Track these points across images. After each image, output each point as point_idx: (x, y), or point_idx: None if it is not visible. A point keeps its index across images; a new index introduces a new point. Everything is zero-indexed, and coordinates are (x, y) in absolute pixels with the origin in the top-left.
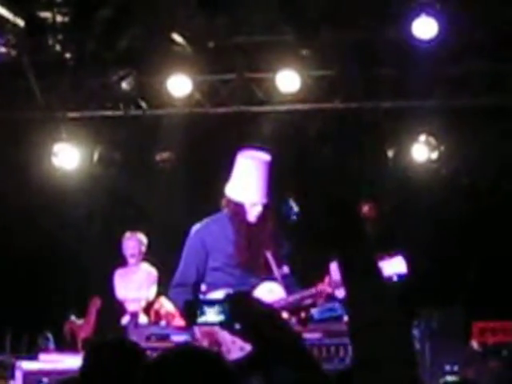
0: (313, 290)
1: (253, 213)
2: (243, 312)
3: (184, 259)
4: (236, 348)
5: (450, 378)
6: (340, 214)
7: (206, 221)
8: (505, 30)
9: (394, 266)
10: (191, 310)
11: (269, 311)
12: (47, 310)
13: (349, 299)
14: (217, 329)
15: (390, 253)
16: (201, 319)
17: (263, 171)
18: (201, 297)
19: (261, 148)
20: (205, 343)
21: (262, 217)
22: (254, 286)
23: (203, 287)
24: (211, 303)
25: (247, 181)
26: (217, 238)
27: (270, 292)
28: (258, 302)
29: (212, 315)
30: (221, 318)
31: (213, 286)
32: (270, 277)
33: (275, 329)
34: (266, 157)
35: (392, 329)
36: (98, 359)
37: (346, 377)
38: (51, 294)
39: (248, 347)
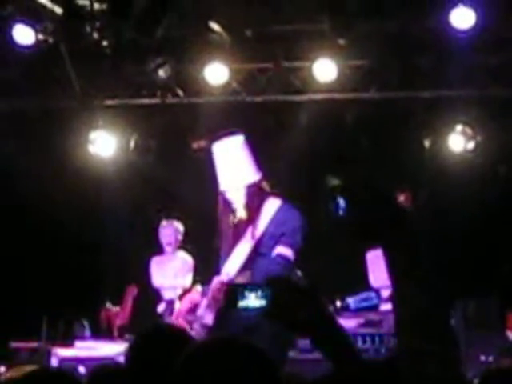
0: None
1: (238, 199)
2: (283, 297)
3: None
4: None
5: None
6: (383, 207)
7: None
8: None
9: None
10: (232, 294)
11: (310, 297)
12: (83, 298)
13: (395, 291)
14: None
15: None
16: (242, 303)
17: (236, 155)
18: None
19: (231, 132)
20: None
21: (252, 198)
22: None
23: None
24: (253, 288)
25: (222, 169)
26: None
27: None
28: (299, 286)
29: (253, 299)
30: (262, 302)
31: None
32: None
33: (315, 315)
34: (237, 139)
35: (437, 323)
36: (147, 347)
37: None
38: (87, 281)
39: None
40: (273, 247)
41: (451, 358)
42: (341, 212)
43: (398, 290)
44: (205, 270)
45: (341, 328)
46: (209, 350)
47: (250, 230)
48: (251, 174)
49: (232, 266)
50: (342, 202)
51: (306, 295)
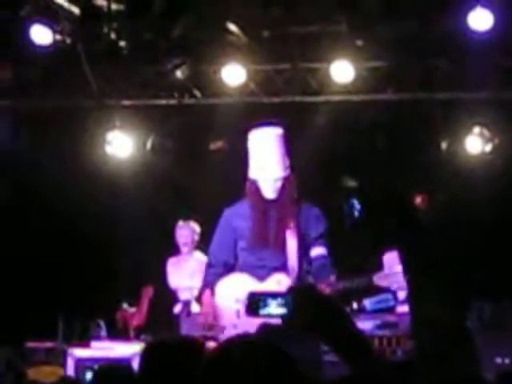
0: (366, 280)
1: (268, 189)
2: (306, 305)
3: (214, 240)
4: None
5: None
6: (398, 209)
7: (234, 204)
8: None
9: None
10: (254, 301)
11: (331, 304)
12: (100, 298)
13: (411, 293)
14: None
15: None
16: (263, 311)
17: (274, 145)
18: (255, 288)
19: (270, 123)
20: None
21: (282, 192)
22: (266, 267)
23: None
24: (275, 296)
25: (258, 158)
26: (242, 218)
27: (277, 284)
28: (322, 295)
29: (274, 307)
30: (283, 310)
31: (240, 267)
32: (283, 259)
33: (338, 326)
34: (275, 130)
35: (454, 325)
36: (156, 360)
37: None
38: (104, 281)
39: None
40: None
41: (469, 357)
42: (356, 214)
43: (414, 291)
44: None
45: (360, 331)
46: (230, 353)
47: (287, 225)
48: (284, 168)
49: (292, 263)
50: (357, 203)
51: (329, 304)
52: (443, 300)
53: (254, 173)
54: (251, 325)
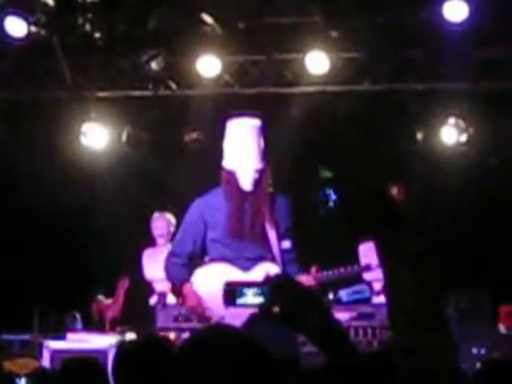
0: (345, 269)
1: (246, 180)
2: (283, 296)
3: (181, 229)
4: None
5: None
6: (375, 201)
7: (206, 193)
8: None
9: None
10: (231, 290)
11: (310, 296)
12: (75, 290)
13: (388, 285)
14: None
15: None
16: (240, 300)
17: (252, 137)
18: (241, 278)
19: (248, 113)
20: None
21: (258, 184)
22: (250, 259)
23: (206, 259)
24: (251, 285)
25: (236, 148)
26: (215, 209)
27: (266, 272)
28: (300, 286)
29: (251, 297)
30: (260, 300)
31: (212, 258)
32: (266, 250)
33: (315, 315)
34: (254, 122)
35: (431, 316)
36: (127, 360)
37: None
38: (79, 273)
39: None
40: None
41: (446, 348)
42: (331, 204)
43: (391, 281)
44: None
45: (336, 321)
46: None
47: (263, 217)
48: (261, 160)
49: (276, 252)
50: (332, 193)
51: (304, 292)
52: (420, 290)
53: (231, 163)
54: (240, 316)
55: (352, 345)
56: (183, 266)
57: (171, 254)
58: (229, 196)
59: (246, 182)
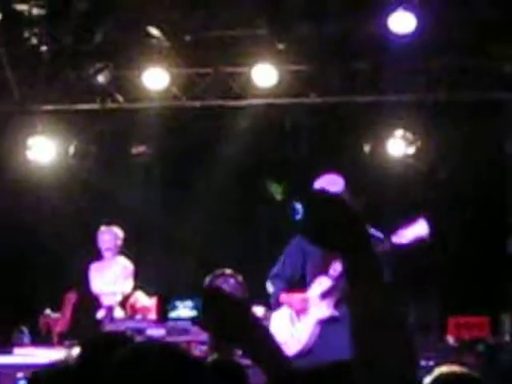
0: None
1: None
2: (214, 307)
3: (284, 258)
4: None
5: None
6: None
7: None
8: (482, 25)
9: (416, 231)
10: (163, 304)
11: (240, 307)
12: (22, 304)
13: (351, 299)
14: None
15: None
16: (173, 314)
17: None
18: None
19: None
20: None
21: None
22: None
23: None
24: (183, 298)
25: None
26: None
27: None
28: (229, 296)
29: (184, 310)
30: (193, 313)
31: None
32: None
33: (246, 325)
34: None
35: (393, 329)
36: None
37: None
38: (26, 287)
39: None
40: None
41: (407, 360)
42: (298, 216)
43: (354, 298)
44: (145, 276)
45: (270, 335)
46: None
47: None
48: None
49: None
50: (298, 206)
51: (235, 304)
52: (385, 303)
53: None
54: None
55: (286, 359)
56: (282, 284)
57: (274, 276)
58: None
59: None
